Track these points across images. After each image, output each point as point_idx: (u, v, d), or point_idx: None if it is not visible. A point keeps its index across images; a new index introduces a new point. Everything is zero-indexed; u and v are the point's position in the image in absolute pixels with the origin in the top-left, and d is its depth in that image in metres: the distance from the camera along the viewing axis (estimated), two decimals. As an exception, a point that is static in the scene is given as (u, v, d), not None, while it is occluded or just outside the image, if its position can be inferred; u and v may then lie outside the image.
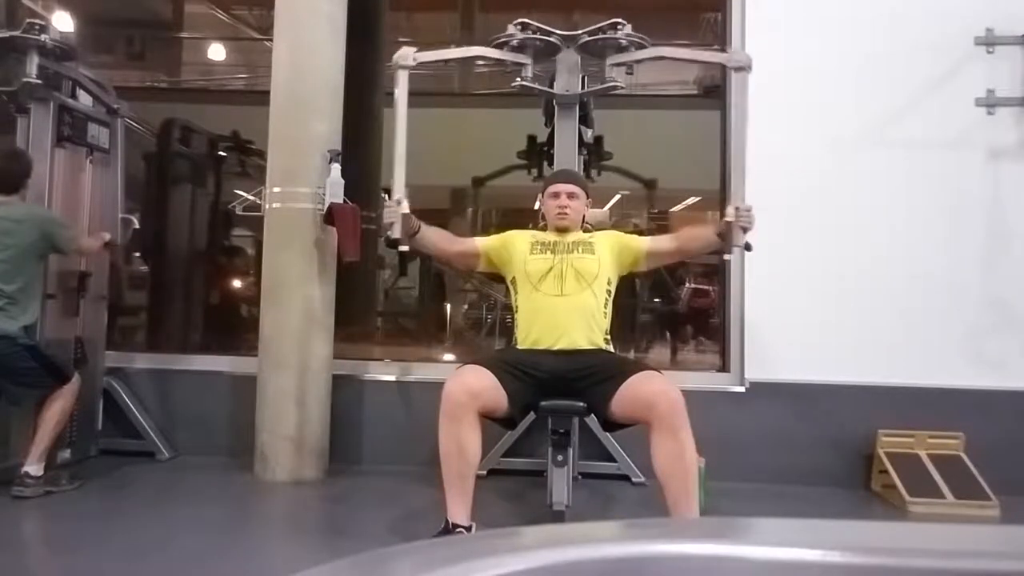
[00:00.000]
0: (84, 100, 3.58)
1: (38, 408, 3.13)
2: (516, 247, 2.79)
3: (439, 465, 2.38)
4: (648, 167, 6.13)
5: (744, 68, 2.84)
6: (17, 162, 3.18)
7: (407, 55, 2.91)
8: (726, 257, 2.81)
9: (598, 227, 3.22)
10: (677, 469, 2.28)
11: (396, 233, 2.72)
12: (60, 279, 3.42)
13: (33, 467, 3.04)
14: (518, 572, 0.58)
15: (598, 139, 3.82)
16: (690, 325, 8.90)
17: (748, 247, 2.71)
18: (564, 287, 2.65)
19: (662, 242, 2.89)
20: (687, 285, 9.10)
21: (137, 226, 3.80)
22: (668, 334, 8.67)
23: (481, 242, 2.90)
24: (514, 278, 2.77)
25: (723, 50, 3.85)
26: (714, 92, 7.41)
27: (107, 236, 3.57)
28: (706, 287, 9.00)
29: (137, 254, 4.01)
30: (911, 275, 3.58)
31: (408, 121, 2.89)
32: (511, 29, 3.14)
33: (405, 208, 2.74)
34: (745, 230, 2.67)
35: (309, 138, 3.49)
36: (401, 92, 2.90)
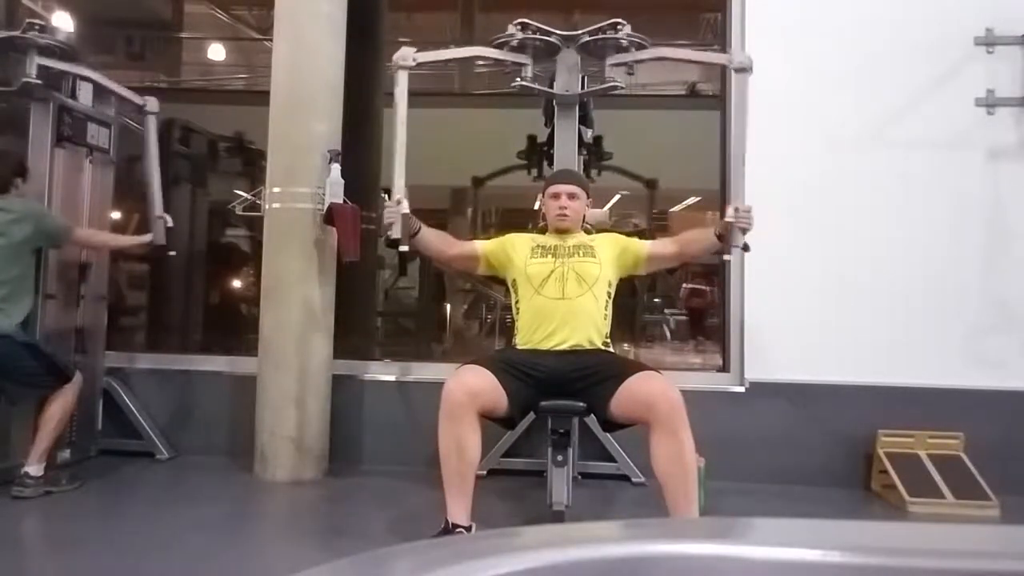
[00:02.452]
0: (84, 100, 3.58)
1: (38, 408, 3.13)
2: (517, 250, 2.78)
3: (439, 465, 2.38)
4: (648, 167, 6.13)
5: (746, 69, 2.85)
6: (4, 161, 3.18)
7: (407, 55, 2.91)
8: (726, 258, 2.81)
9: (598, 227, 3.22)
10: (677, 469, 2.28)
11: (396, 233, 2.72)
12: (60, 271, 3.42)
13: (33, 467, 3.03)
14: (518, 572, 0.58)
15: (597, 139, 3.82)
16: (689, 325, 9.03)
17: (746, 247, 2.71)
18: (565, 291, 2.65)
19: (662, 246, 2.88)
20: (684, 286, 9.17)
21: (171, 224, 3.71)
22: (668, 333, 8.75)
23: (480, 245, 2.89)
24: (515, 280, 2.78)
25: (724, 51, 3.85)
26: (695, 92, 7.46)
27: (147, 238, 3.58)
28: (703, 287, 9.11)
29: (172, 252, 3.89)
30: (911, 275, 3.58)
31: (408, 121, 2.89)
32: (511, 29, 3.14)
33: (405, 208, 2.74)
34: (744, 231, 2.67)
35: (309, 138, 3.49)
36: (401, 92, 2.90)
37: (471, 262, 2.90)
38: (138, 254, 3.81)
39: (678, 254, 2.92)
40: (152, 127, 3.76)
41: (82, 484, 3.21)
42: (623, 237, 2.93)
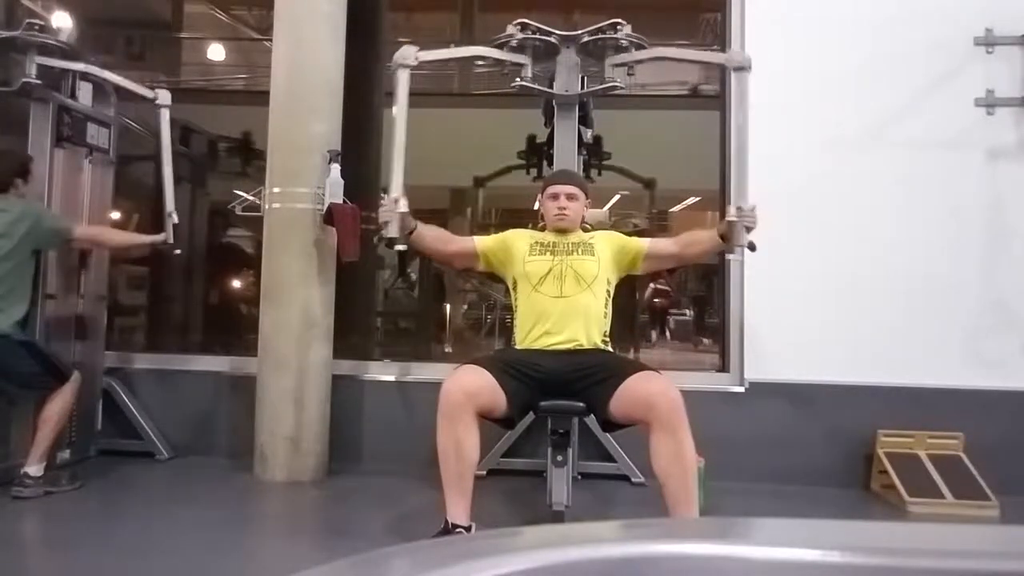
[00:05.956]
0: (83, 100, 3.58)
1: (37, 408, 3.13)
2: (516, 248, 2.78)
3: (439, 465, 2.38)
4: (648, 167, 6.13)
5: (744, 68, 2.85)
6: (6, 161, 3.18)
7: (408, 54, 2.90)
8: (729, 257, 2.82)
9: (597, 227, 3.22)
10: (676, 469, 2.28)
11: (393, 232, 2.72)
12: (60, 271, 3.42)
13: (33, 468, 3.03)
14: (518, 572, 0.57)
15: (597, 139, 3.82)
16: (654, 322, 9.30)
17: (752, 247, 2.71)
18: (564, 288, 2.64)
19: (662, 245, 2.86)
20: (651, 285, 9.33)
21: (176, 221, 3.70)
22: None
23: (479, 242, 2.89)
24: (514, 279, 2.77)
25: (723, 50, 3.85)
26: (697, 92, 7.51)
27: (161, 237, 3.57)
28: (665, 288, 9.30)
29: (177, 251, 3.86)
30: (911, 275, 3.58)
31: (408, 121, 2.89)
32: (511, 29, 3.14)
33: (404, 207, 2.74)
34: (748, 229, 2.67)
35: (309, 138, 3.49)
36: (401, 91, 2.90)
37: (469, 259, 2.90)
38: (140, 254, 3.78)
39: (678, 255, 2.89)
40: (165, 121, 3.73)
41: (82, 484, 3.21)
42: (622, 235, 2.93)
